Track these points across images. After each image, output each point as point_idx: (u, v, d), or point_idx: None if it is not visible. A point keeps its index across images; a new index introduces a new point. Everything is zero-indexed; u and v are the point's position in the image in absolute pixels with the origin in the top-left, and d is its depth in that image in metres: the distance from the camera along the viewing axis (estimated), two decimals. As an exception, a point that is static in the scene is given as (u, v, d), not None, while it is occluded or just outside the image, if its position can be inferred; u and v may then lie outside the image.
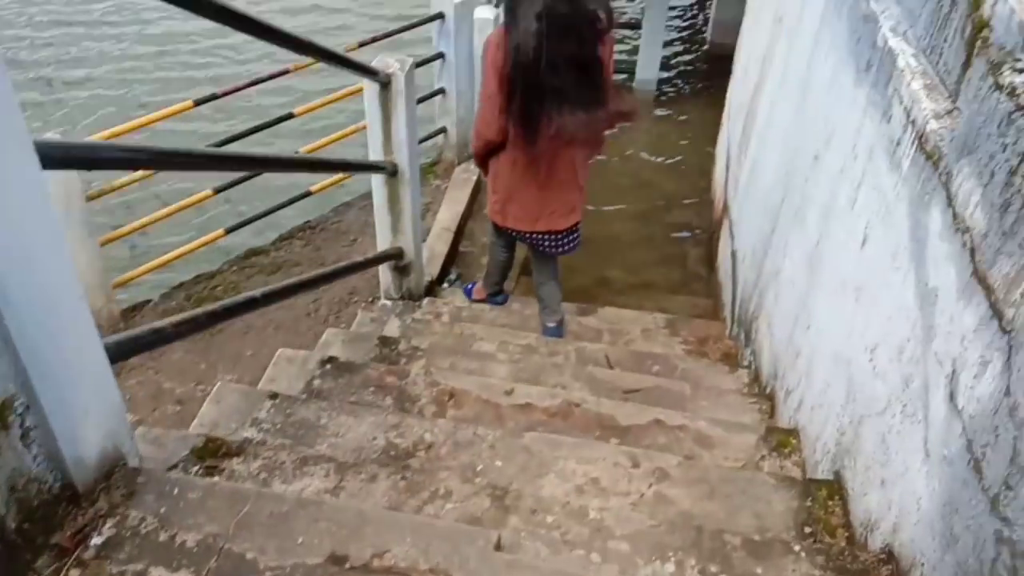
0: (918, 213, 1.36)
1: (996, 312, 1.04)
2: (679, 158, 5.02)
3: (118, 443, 1.33)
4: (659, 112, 5.57)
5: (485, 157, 2.56)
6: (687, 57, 6.48)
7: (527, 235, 2.65)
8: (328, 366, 2.32)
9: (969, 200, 1.16)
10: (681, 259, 4.20)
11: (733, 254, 3.33)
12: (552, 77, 2.16)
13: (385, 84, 2.61)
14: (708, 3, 7.05)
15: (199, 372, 3.31)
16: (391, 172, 2.84)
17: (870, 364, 1.52)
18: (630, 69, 5.64)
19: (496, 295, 3.30)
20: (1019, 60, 1.16)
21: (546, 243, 2.66)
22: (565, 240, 2.67)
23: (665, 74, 5.82)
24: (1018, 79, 1.10)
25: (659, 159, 5.04)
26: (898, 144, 1.51)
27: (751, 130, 3.24)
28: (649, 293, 3.93)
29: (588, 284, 4.05)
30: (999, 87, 1.13)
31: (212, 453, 1.59)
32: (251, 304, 1.91)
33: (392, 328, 2.91)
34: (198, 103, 3.26)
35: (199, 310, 1.62)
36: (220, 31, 6.83)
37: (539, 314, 3.02)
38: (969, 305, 1.12)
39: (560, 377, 2.47)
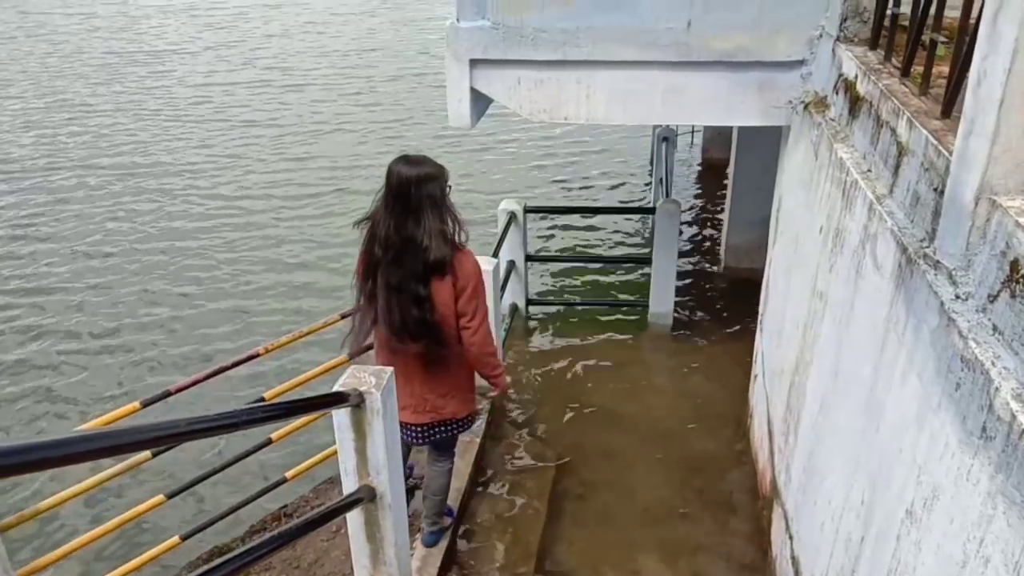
0: None
1: None
2: (705, 404, 4.49)
3: None
4: (676, 348, 5.13)
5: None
6: (702, 282, 6.17)
7: (411, 427, 2.78)
8: None
9: None
10: (725, 541, 3.53)
11: (794, 560, 2.70)
12: (385, 294, 2.53)
13: (357, 405, 2.18)
14: (719, 226, 6.92)
15: None
16: (368, 498, 2.33)
17: None
18: (643, 303, 5.32)
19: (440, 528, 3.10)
20: None
21: (428, 434, 2.81)
22: (445, 429, 2.82)
23: (680, 307, 5.46)
24: None
25: (682, 403, 4.51)
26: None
27: (799, 411, 2.74)
28: (695, 592, 3.24)
29: (616, 581, 3.36)
30: None
31: None
32: None
33: None
34: (146, 404, 2.79)
35: None
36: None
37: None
38: None
39: None
